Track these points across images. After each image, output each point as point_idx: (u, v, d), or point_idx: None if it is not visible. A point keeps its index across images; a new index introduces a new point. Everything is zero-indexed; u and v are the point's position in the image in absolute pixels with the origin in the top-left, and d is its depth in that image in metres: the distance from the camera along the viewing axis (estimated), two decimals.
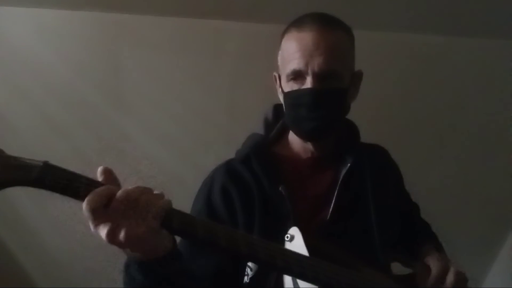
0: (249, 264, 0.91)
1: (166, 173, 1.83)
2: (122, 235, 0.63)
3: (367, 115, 1.87)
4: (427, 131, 1.97)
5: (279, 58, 0.99)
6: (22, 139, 1.71)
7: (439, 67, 1.89)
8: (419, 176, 1.88)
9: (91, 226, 0.64)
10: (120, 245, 0.65)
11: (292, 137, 1.04)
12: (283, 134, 1.07)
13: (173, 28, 1.80)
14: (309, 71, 0.90)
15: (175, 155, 1.85)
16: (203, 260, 0.87)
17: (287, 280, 0.83)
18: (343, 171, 0.98)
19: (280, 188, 0.94)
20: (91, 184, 0.63)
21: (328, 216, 0.94)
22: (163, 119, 1.86)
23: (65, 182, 0.62)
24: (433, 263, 0.95)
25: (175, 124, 1.86)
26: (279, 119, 1.08)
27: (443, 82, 1.91)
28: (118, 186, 0.66)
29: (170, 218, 0.67)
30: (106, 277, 1.82)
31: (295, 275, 0.79)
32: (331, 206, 0.95)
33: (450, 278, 0.94)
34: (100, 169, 0.66)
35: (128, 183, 0.72)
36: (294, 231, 0.86)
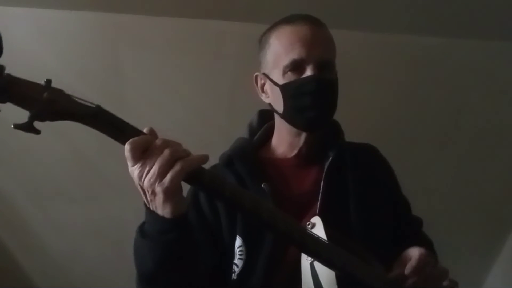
0: (235, 261, 0.92)
1: None
2: (148, 176, 0.68)
3: (368, 116, 1.89)
4: (427, 132, 1.97)
5: (268, 55, 1.00)
6: (22, 141, 1.70)
7: (438, 69, 1.90)
8: (419, 176, 1.89)
9: (129, 167, 0.71)
10: (146, 188, 0.70)
11: (276, 140, 1.06)
12: (267, 138, 1.09)
13: (174, 28, 1.80)
14: (310, 60, 0.93)
15: None
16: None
17: (307, 280, 0.84)
18: (326, 165, 1.00)
19: (262, 185, 0.95)
20: (136, 131, 0.71)
21: (317, 212, 0.94)
22: (163, 119, 1.85)
23: (113, 125, 0.70)
24: (413, 253, 0.88)
25: (175, 125, 1.86)
26: (263, 125, 1.10)
27: (442, 84, 1.91)
28: None
29: (202, 174, 0.72)
30: (106, 279, 1.82)
31: (310, 253, 0.81)
32: (319, 201, 0.95)
33: (430, 264, 0.86)
34: (145, 129, 0.74)
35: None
36: (316, 219, 0.88)
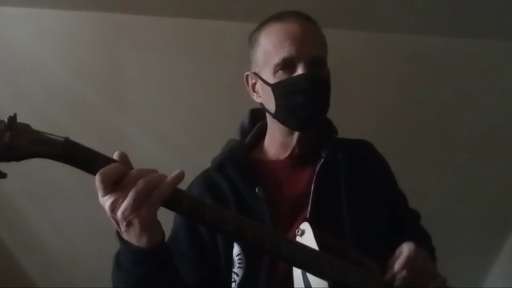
0: (235, 270, 0.90)
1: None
2: (122, 208, 0.65)
3: (368, 115, 1.89)
4: (428, 132, 1.97)
5: (258, 53, 0.97)
6: None
7: (439, 68, 1.90)
8: (419, 176, 1.89)
9: (99, 197, 0.67)
10: (120, 220, 0.66)
11: (269, 140, 1.04)
12: (259, 139, 1.06)
13: (174, 28, 1.80)
14: (301, 58, 0.91)
15: (176, 156, 1.85)
16: (187, 269, 0.87)
17: (298, 281, 0.83)
18: (318, 167, 0.97)
19: (257, 190, 0.93)
20: (107, 161, 0.66)
21: (308, 215, 0.92)
22: (163, 120, 1.86)
23: (84, 158, 0.66)
24: (403, 249, 0.86)
25: (175, 125, 1.86)
26: (255, 125, 1.08)
27: (443, 83, 1.91)
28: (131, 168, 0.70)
29: (180, 200, 0.69)
30: (106, 279, 1.82)
31: (299, 266, 0.79)
32: (309, 206, 0.93)
33: (419, 260, 0.85)
34: (116, 153, 0.69)
35: None
36: (305, 226, 0.87)
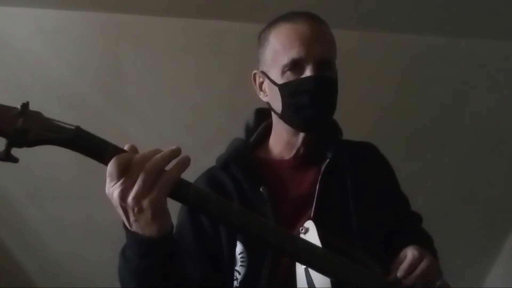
0: (237, 268, 0.91)
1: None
2: (133, 193, 0.65)
3: (368, 116, 1.89)
4: (428, 132, 1.97)
5: (267, 53, 0.97)
6: None
7: (439, 68, 1.90)
8: (419, 176, 1.89)
9: (107, 187, 0.66)
10: (132, 206, 0.66)
11: (274, 140, 1.04)
12: (264, 138, 1.07)
13: (174, 28, 1.80)
14: (310, 59, 0.91)
15: None
16: (190, 266, 0.87)
17: (302, 285, 0.83)
18: (323, 167, 0.98)
19: (261, 189, 0.93)
20: (117, 151, 0.67)
21: (312, 215, 0.93)
22: (164, 119, 1.86)
23: (94, 146, 0.67)
24: (409, 253, 0.89)
25: (176, 124, 1.86)
26: (260, 124, 1.08)
27: (443, 83, 1.91)
28: None
29: (187, 192, 0.70)
30: (106, 278, 1.82)
31: (302, 262, 0.80)
32: (313, 205, 0.94)
33: (422, 265, 0.87)
34: (127, 145, 0.70)
35: None
36: (309, 224, 0.87)
